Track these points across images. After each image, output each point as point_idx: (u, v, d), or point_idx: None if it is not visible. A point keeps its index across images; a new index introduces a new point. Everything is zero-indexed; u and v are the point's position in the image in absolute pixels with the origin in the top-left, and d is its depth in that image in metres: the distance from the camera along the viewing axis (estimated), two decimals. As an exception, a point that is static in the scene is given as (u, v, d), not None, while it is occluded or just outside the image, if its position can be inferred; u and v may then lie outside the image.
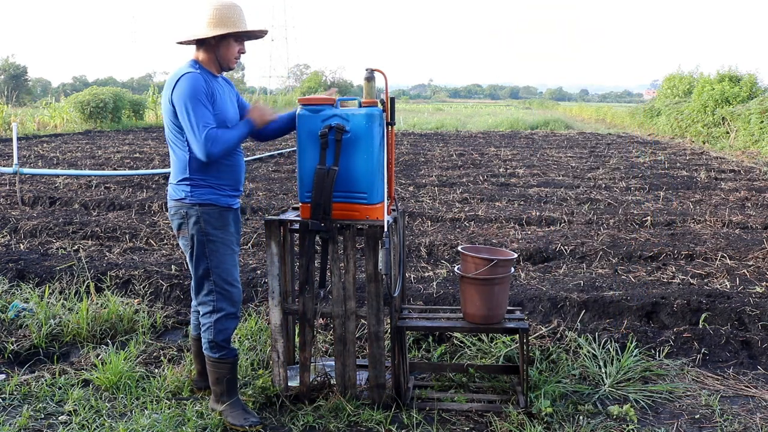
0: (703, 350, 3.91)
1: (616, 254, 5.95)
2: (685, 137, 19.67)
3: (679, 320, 4.39)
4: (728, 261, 5.73)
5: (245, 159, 10.52)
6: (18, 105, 32.47)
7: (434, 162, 12.95)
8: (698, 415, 3.23)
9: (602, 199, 8.68)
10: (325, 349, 3.90)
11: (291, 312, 3.30)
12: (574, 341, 3.93)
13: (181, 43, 3.05)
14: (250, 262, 5.58)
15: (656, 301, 4.52)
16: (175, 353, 3.91)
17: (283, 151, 14.17)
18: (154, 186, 9.78)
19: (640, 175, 11.14)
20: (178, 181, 3.00)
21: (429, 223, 7.27)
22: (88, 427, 3.06)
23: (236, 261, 3.09)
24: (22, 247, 6.20)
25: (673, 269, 5.50)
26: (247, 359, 3.72)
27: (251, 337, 4.04)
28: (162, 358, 3.82)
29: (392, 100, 3.13)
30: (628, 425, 3.11)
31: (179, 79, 2.89)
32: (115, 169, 11.44)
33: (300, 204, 3.18)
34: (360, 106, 3.10)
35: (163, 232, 6.68)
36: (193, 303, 3.17)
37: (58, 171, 10.72)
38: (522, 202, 8.55)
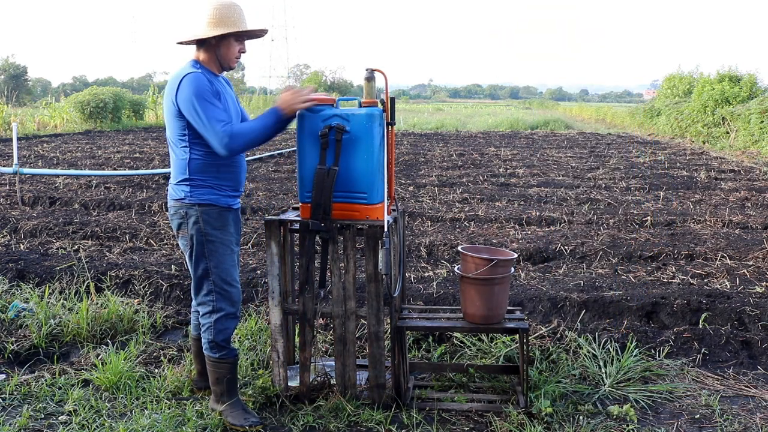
0: (703, 350, 3.91)
1: (616, 254, 5.95)
2: (685, 137, 19.67)
3: (679, 320, 4.39)
4: (728, 261, 5.73)
5: (245, 159, 10.39)
6: (18, 105, 32.47)
7: (434, 162, 12.95)
8: (698, 415, 3.23)
9: (602, 199, 8.69)
10: (325, 349, 3.90)
11: (291, 312, 3.30)
12: (574, 341, 3.93)
13: (181, 43, 3.04)
14: (250, 262, 5.58)
15: (656, 301, 4.52)
16: (175, 353, 3.90)
17: (283, 151, 14.18)
18: (154, 186, 9.78)
19: (640, 175, 11.14)
20: (178, 182, 2.99)
21: (429, 223, 7.27)
22: (88, 427, 3.06)
23: (236, 261, 3.09)
24: (22, 247, 6.20)
25: (673, 269, 5.50)
26: (247, 359, 3.72)
27: (251, 337, 4.04)
28: (162, 358, 3.82)
29: (392, 100, 3.13)
30: (628, 425, 3.11)
31: (182, 79, 2.88)
32: (115, 169, 11.44)
33: (300, 204, 3.18)
34: (360, 106, 3.10)
35: (163, 232, 6.68)
36: (193, 303, 3.16)
37: (58, 171, 10.72)
38: (522, 202, 8.55)
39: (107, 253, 5.97)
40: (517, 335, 3.49)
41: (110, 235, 6.65)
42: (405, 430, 3.07)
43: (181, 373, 3.54)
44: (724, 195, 9.15)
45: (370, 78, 3.10)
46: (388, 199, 3.10)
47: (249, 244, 6.25)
